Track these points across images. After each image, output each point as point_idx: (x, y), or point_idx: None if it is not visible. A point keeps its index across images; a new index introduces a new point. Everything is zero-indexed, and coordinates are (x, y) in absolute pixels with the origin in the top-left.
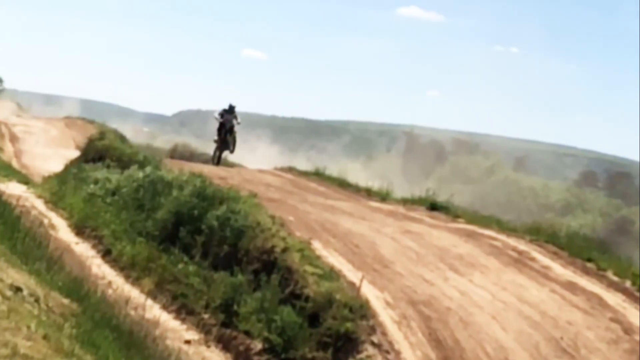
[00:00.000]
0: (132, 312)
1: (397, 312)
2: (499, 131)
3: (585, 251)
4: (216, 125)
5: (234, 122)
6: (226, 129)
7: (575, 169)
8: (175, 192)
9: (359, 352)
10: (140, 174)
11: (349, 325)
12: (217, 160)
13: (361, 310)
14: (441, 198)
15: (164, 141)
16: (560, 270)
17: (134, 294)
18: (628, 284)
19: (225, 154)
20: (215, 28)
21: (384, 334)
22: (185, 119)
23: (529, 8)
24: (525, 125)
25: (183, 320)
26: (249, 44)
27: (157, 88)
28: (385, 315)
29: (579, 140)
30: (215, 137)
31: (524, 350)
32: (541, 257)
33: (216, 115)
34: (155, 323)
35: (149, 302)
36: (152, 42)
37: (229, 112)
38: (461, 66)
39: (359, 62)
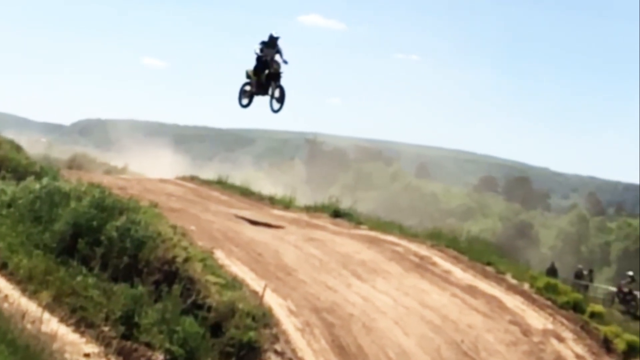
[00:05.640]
0: (29, 326)
1: (301, 320)
2: (401, 138)
3: (485, 255)
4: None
5: (279, 59)
6: (270, 71)
7: (476, 174)
8: (73, 203)
9: None
10: (37, 185)
11: (251, 334)
12: (247, 102)
13: (264, 318)
14: (345, 205)
15: (62, 151)
16: (461, 274)
17: (31, 307)
18: (526, 286)
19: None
20: (114, 36)
21: (287, 341)
22: (85, 129)
23: (429, 17)
24: (427, 131)
25: (82, 334)
26: (149, 52)
27: (55, 97)
28: (288, 323)
29: (479, 146)
30: (250, 70)
31: (426, 354)
32: (442, 262)
33: (256, 49)
34: (53, 337)
35: (47, 315)
36: (49, 49)
37: (270, 44)
38: (363, 74)
39: None
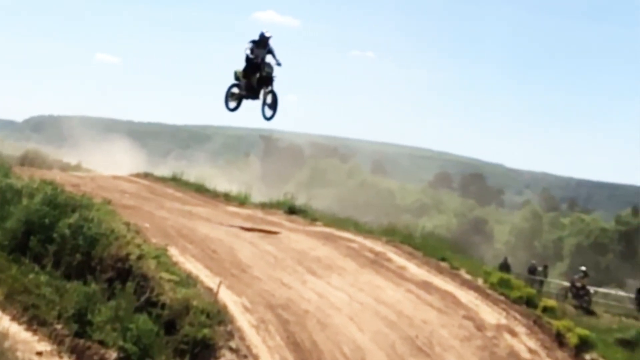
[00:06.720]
0: None
1: (256, 317)
2: (357, 134)
3: (439, 251)
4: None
5: (271, 61)
6: (261, 74)
7: (431, 171)
8: (25, 201)
9: (216, 358)
10: None
11: (206, 331)
12: (235, 105)
13: (219, 315)
14: (300, 202)
15: (14, 148)
16: (416, 270)
17: None
18: (480, 281)
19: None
20: (67, 31)
21: (242, 338)
22: (37, 125)
23: (385, 14)
24: (383, 128)
25: (35, 332)
26: (102, 48)
27: (6, 93)
28: (243, 320)
29: (435, 143)
30: (239, 71)
31: (381, 350)
32: (397, 258)
33: (247, 50)
34: (5, 335)
35: None
36: (0, 44)
37: (261, 44)
38: (319, 70)
39: (214, 67)
